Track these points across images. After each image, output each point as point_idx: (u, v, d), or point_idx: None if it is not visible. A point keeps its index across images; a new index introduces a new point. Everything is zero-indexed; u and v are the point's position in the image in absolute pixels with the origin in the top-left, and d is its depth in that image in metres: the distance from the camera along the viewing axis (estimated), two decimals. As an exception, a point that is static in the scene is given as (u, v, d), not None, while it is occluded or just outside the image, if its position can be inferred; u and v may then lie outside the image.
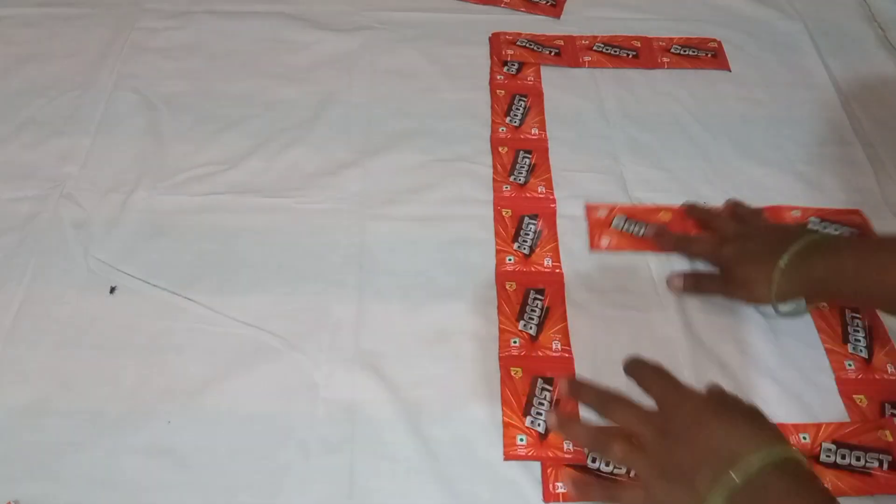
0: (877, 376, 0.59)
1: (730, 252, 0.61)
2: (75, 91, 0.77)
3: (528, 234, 0.66)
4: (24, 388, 0.56)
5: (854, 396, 0.57)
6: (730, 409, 0.46)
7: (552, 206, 0.68)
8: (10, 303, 0.61)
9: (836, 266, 0.55)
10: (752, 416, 0.45)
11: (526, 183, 0.70)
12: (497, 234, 0.66)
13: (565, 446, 0.54)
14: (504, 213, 0.68)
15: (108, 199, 0.68)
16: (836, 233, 0.66)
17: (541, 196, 0.69)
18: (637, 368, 0.51)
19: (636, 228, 0.66)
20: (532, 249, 0.65)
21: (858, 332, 0.61)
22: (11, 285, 0.62)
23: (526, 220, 0.67)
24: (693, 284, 0.63)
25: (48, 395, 0.56)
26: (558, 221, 0.67)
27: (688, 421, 0.45)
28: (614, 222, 0.67)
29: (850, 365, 0.59)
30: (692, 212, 0.67)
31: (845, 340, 0.60)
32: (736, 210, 0.67)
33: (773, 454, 0.42)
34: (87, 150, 0.71)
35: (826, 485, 0.52)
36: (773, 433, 0.44)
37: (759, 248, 0.59)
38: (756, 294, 0.59)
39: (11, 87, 0.77)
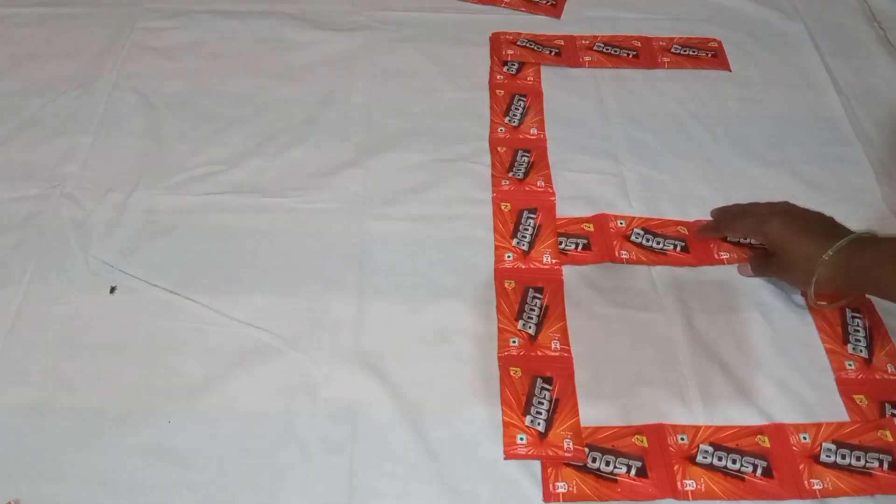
0: (877, 376, 0.59)
1: (777, 225, 0.60)
2: (75, 91, 0.77)
3: (527, 230, 0.66)
4: (24, 388, 0.56)
5: (854, 396, 0.57)
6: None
7: (552, 199, 0.68)
8: (10, 303, 0.61)
9: (874, 263, 0.56)
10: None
11: (525, 178, 0.70)
12: (496, 228, 0.66)
13: (565, 445, 0.54)
14: (503, 207, 0.68)
15: (108, 199, 0.68)
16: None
17: (540, 190, 0.69)
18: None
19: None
20: (531, 245, 0.65)
21: (859, 332, 0.61)
22: (11, 285, 0.62)
23: (525, 214, 0.67)
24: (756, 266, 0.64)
25: (48, 395, 0.56)
26: (558, 223, 0.67)
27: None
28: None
29: (850, 365, 0.59)
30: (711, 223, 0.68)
31: (845, 340, 0.60)
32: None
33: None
34: (87, 150, 0.71)
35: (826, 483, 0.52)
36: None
37: (806, 227, 0.60)
38: (797, 277, 0.60)
39: (11, 87, 0.77)
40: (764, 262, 0.63)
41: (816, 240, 0.58)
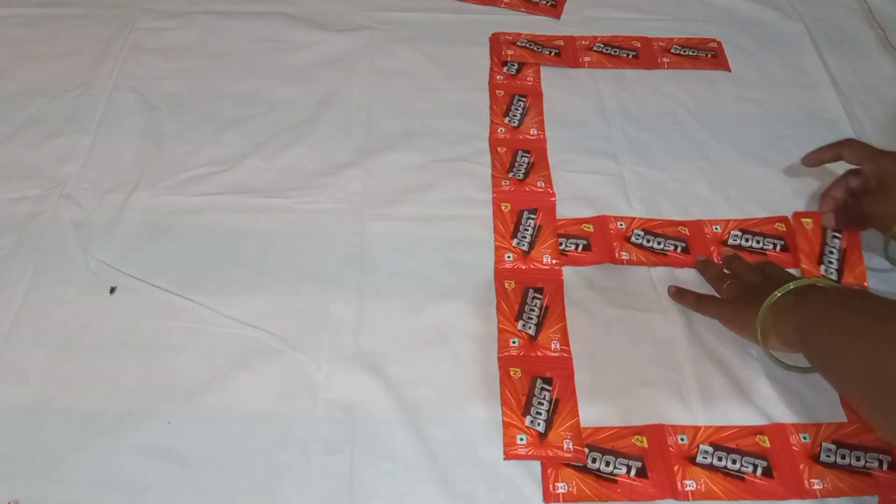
0: (877, 376, 0.58)
1: (893, 159, 0.62)
2: (75, 91, 0.77)
3: (527, 230, 0.66)
4: (24, 388, 0.56)
5: (855, 397, 0.57)
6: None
7: (552, 199, 0.68)
8: (10, 303, 0.61)
9: None
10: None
11: (525, 178, 0.70)
12: (496, 229, 0.66)
13: (565, 445, 0.54)
14: (503, 207, 0.68)
15: (108, 199, 0.68)
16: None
17: (540, 190, 0.69)
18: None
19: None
20: (531, 246, 0.65)
21: (859, 332, 0.61)
22: (11, 285, 0.62)
23: (525, 214, 0.67)
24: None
25: (48, 395, 0.56)
26: (558, 224, 0.67)
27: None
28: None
29: (850, 365, 0.59)
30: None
31: (845, 340, 0.60)
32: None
33: (800, 282, 0.57)
34: (87, 150, 0.71)
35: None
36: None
37: None
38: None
39: (11, 87, 0.77)
40: (853, 206, 0.65)
41: None
